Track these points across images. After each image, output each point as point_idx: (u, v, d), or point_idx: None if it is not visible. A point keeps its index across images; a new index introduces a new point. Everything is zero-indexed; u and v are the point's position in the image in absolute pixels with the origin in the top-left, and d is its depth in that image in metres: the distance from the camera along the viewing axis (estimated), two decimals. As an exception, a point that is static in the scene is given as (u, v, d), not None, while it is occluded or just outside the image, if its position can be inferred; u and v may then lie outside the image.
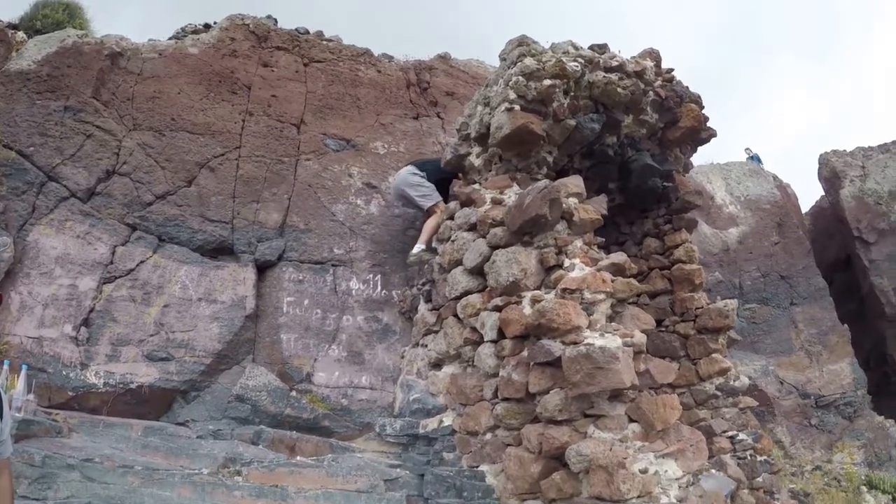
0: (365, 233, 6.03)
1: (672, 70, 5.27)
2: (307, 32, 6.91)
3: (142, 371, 5.00)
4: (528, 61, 4.48)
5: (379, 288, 5.86)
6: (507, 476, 4.00)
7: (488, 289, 4.46)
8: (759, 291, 8.03)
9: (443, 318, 4.98)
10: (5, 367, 4.27)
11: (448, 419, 4.70)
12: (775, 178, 9.14)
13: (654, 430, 3.75)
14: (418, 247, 5.46)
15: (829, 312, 8.13)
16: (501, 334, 4.24)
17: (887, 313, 8.52)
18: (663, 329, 5.28)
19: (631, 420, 3.77)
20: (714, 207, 8.40)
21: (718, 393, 4.98)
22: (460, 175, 5.33)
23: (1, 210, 5.17)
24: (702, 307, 5.16)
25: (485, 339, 4.39)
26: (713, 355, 5.02)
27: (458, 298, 4.73)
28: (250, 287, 5.48)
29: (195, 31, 6.68)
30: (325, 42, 6.87)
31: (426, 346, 5.21)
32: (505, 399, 4.13)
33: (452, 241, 4.89)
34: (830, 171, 9.35)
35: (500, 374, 4.19)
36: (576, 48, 4.74)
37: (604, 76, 4.68)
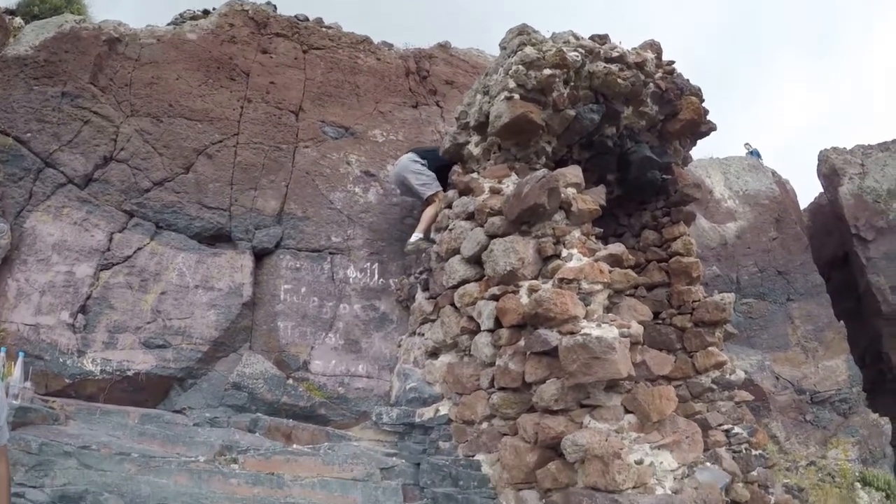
0: (363, 221, 6.02)
1: (673, 62, 5.25)
2: (306, 19, 6.88)
3: (139, 358, 4.99)
4: (529, 50, 4.46)
5: (376, 276, 5.85)
6: (502, 465, 4.00)
7: (486, 278, 4.45)
8: (756, 286, 8.04)
9: (440, 307, 4.98)
10: (2, 354, 4.26)
11: (444, 408, 4.70)
12: (774, 173, 9.14)
13: (649, 422, 3.75)
14: (416, 235, 5.45)
15: (826, 309, 8.15)
16: (498, 323, 4.24)
17: (883, 311, 8.53)
18: (660, 321, 5.29)
19: (627, 411, 3.76)
20: (712, 202, 8.40)
21: (714, 386, 4.99)
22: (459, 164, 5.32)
23: (-2, 196, 5.15)
24: (699, 300, 5.16)
25: (482, 328, 4.39)
26: (709, 348, 5.03)
27: (456, 287, 4.73)
28: (247, 274, 5.47)
29: (194, 17, 6.63)
30: (324, 29, 6.84)
31: (423, 334, 5.21)
32: (501, 388, 4.13)
33: (450, 229, 4.88)
34: (830, 168, 9.34)
35: (497, 363, 4.19)
36: (576, 38, 4.72)
37: (604, 67, 4.66)
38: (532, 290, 3.99)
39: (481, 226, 4.52)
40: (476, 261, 4.57)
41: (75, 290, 5.06)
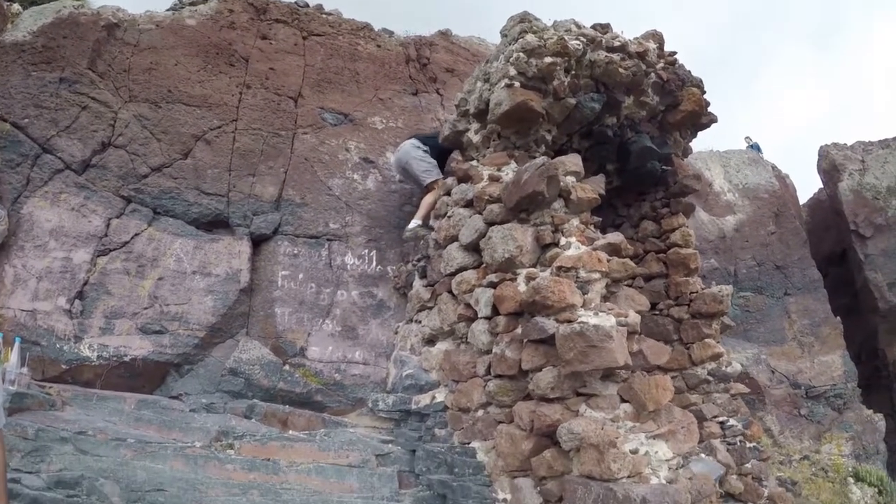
0: (361, 208, 6.01)
1: (675, 53, 5.22)
2: (307, 5, 6.84)
3: (135, 344, 4.99)
4: (530, 38, 4.44)
5: (374, 263, 5.85)
6: (498, 453, 4.01)
7: (483, 265, 4.45)
8: (753, 280, 8.04)
9: (437, 294, 4.98)
10: (-1, 340, 4.25)
11: (440, 395, 4.71)
12: (774, 167, 9.13)
13: (645, 411, 3.76)
14: (415, 222, 5.44)
15: (823, 304, 8.15)
16: (496, 311, 4.24)
17: (880, 308, 8.54)
18: (657, 312, 5.28)
19: (623, 400, 3.77)
20: (712, 194, 8.39)
21: (710, 378, 4.99)
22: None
23: (-5, 182, 5.13)
24: (696, 291, 5.15)
25: (479, 316, 4.39)
26: (706, 340, 5.03)
27: (453, 274, 4.72)
28: (245, 260, 5.46)
29: (193, 3, 6.57)
30: (324, 15, 6.80)
31: (420, 321, 5.21)
32: (498, 376, 4.13)
33: (449, 216, 4.87)
34: (830, 164, 9.32)
35: (494, 350, 4.19)
36: (578, 26, 4.69)
37: (605, 56, 4.64)
38: (530, 278, 3.99)
39: (480, 213, 4.51)
40: (474, 248, 4.56)
41: (72, 276, 5.05)
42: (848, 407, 7.60)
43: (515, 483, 3.83)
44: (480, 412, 4.30)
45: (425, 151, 5.56)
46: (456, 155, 5.27)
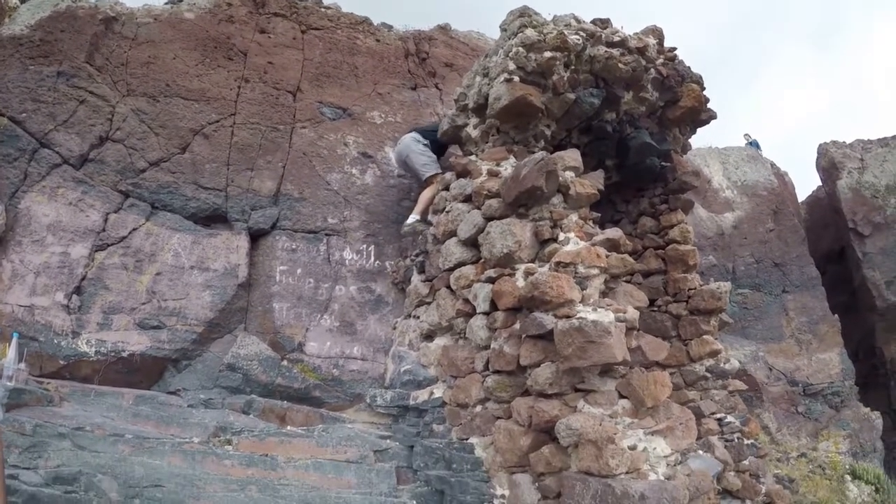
0: (359, 202, 5.99)
1: (674, 49, 5.21)
2: (305, -1, 6.82)
3: (133, 339, 4.98)
4: (529, 32, 4.42)
5: (372, 258, 5.83)
6: (496, 449, 4.01)
7: (482, 260, 4.44)
8: (751, 277, 8.05)
9: (436, 290, 4.97)
10: (-4, 335, 4.24)
11: (439, 391, 4.70)
12: (773, 165, 9.13)
13: (644, 407, 3.76)
14: (413, 217, 5.42)
15: (821, 302, 8.16)
16: (494, 306, 4.23)
17: (878, 306, 8.55)
18: (655, 309, 5.29)
19: (621, 396, 3.77)
20: (710, 191, 8.39)
21: (708, 374, 5.00)
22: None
23: (-8, 177, 5.10)
24: (695, 288, 5.15)
25: (477, 311, 4.38)
26: (704, 337, 5.03)
27: (452, 270, 4.71)
28: (243, 255, 5.44)
29: (191, -4, 6.54)
30: (323, 9, 6.77)
31: (418, 317, 5.21)
32: (496, 371, 4.13)
33: (447, 211, 4.86)
34: (829, 162, 9.32)
35: (492, 346, 4.19)
36: (578, 21, 4.67)
37: (605, 51, 4.62)
38: (528, 274, 3.99)
39: (478, 208, 4.51)
40: (473, 243, 4.55)
41: (70, 271, 5.03)
42: (845, 405, 7.62)
43: (514, 479, 3.83)
44: (479, 408, 4.29)
45: (425, 145, 5.54)
46: (455, 150, 5.26)
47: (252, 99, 5.98)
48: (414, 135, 5.66)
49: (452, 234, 4.75)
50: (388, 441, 4.73)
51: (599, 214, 4.70)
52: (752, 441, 4.91)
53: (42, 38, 5.56)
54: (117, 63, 5.75)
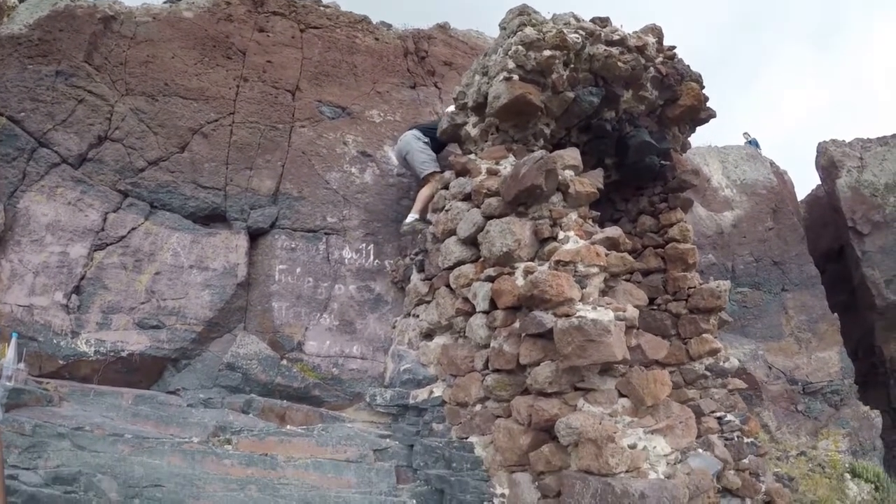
0: (359, 201, 5.98)
1: (674, 47, 5.20)
2: (304, -3, 6.80)
3: (133, 339, 4.97)
4: (529, 31, 4.41)
5: (372, 257, 5.83)
6: (496, 448, 4.01)
7: (481, 259, 4.44)
8: (751, 276, 8.04)
9: (435, 289, 4.97)
10: (-5, 336, 4.24)
11: (438, 390, 4.70)
12: (772, 163, 9.12)
13: (643, 406, 3.76)
14: (412, 216, 5.42)
15: (820, 300, 8.16)
16: (494, 305, 4.23)
17: (877, 305, 8.55)
18: (655, 307, 5.29)
19: (621, 395, 3.77)
20: (710, 190, 8.38)
21: (708, 373, 5.00)
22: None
23: (-9, 176, 5.10)
24: (694, 287, 5.15)
25: (477, 310, 4.38)
26: (704, 335, 5.03)
27: (451, 268, 4.71)
28: (242, 254, 5.43)
29: (190, -5, 6.53)
30: (322, 8, 6.76)
31: (418, 316, 5.21)
32: (495, 370, 4.13)
33: (446, 210, 4.85)
34: (828, 161, 9.32)
35: (492, 345, 4.19)
36: (577, 20, 4.66)
37: (604, 49, 4.62)
38: (528, 272, 3.98)
39: (478, 207, 4.50)
40: (472, 242, 4.55)
41: (69, 271, 5.02)
42: (845, 403, 7.62)
43: (513, 478, 3.83)
44: (478, 407, 4.29)
45: (426, 143, 5.54)
46: (453, 147, 5.25)
47: (251, 98, 5.98)
48: (415, 132, 5.65)
49: (452, 232, 4.75)
50: (387, 440, 4.73)
51: (599, 213, 4.69)
52: (751, 439, 4.91)
53: (40, 38, 5.56)
54: (116, 62, 5.75)
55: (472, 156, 4.91)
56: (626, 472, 3.38)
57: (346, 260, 5.73)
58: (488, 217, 4.37)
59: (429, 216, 5.38)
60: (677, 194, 5.42)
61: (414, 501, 4.19)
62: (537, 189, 4.06)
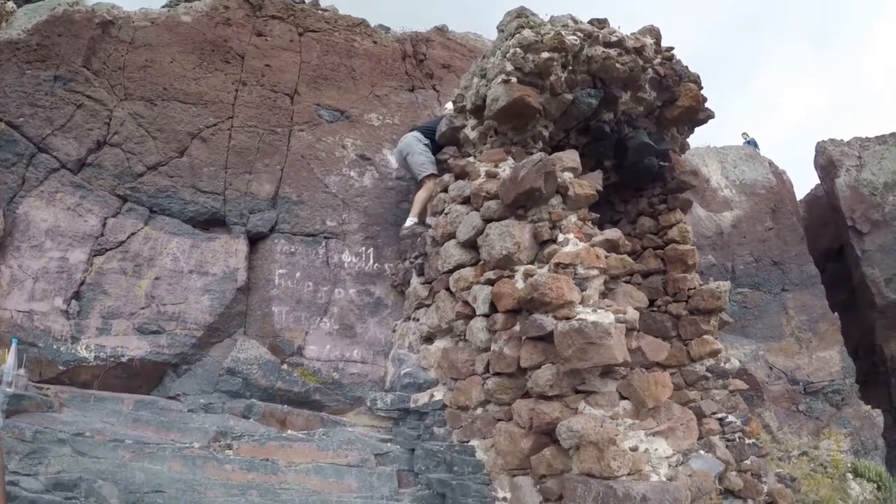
0: (358, 205, 5.98)
1: (672, 49, 5.21)
2: (302, 1, 6.80)
3: (133, 344, 4.97)
4: (527, 33, 4.41)
5: (371, 261, 5.83)
6: (497, 451, 4.00)
7: (481, 262, 4.43)
8: (751, 276, 8.05)
9: (435, 292, 4.96)
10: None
11: (439, 393, 4.69)
12: (771, 163, 9.13)
13: (645, 408, 3.75)
14: (410, 220, 5.41)
15: (821, 300, 8.16)
16: (494, 308, 4.22)
17: (878, 304, 8.55)
18: (655, 309, 5.28)
19: (622, 397, 3.77)
20: (709, 190, 8.38)
21: (709, 374, 4.99)
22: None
23: (-10, 182, 5.09)
24: (694, 288, 5.15)
25: (477, 313, 4.37)
26: (705, 336, 5.02)
27: (451, 272, 4.71)
28: (242, 259, 5.43)
29: (188, -1, 6.54)
30: (320, 11, 6.76)
31: (418, 319, 5.20)
32: (496, 374, 4.12)
33: (446, 213, 4.85)
34: (827, 160, 9.33)
35: (492, 348, 4.18)
36: (575, 22, 4.67)
37: (603, 51, 4.62)
38: (528, 275, 3.98)
39: (477, 210, 4.50)
40: (472, 245, 4.54)
41: (69, 276, 5.02)
42: (846, 403, 7.62)
43: (515, 481, 3.83)
44: (479, 410, 4.28)
45: (426, 146, 5.52)
46: (450, 149, 5.24)
47: (249, 102, 5.97)
48: (416, 133, 5.63)
49: (451, 235, 4.74)
50: (388, 444, 4.72)
51: (598, 215, 4.69)
52: (753, 440, 4.90)
53: (39, 43, 5.55)
54: (114, 67, 5.74)
55: (471, 159, 4.91)
56: (628, 474, 3.36)
57: (346, 264, 5.73)
58: (487, 220, 4.37)
59: (428, 219, 5.38)
60: (676, 195, 5.42)
61: (415, 505, 4.19)
62: (536, 192, 4.05)
